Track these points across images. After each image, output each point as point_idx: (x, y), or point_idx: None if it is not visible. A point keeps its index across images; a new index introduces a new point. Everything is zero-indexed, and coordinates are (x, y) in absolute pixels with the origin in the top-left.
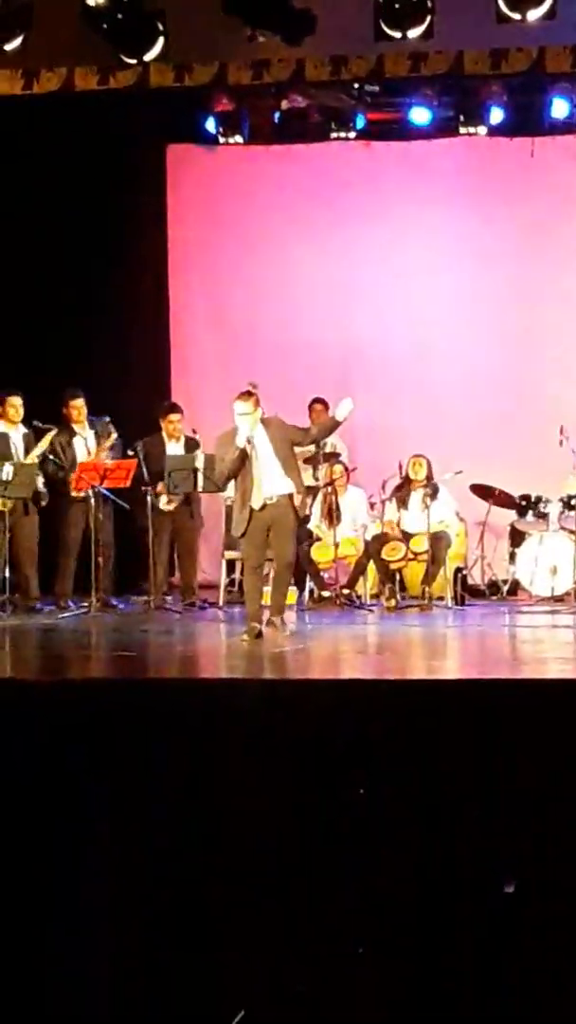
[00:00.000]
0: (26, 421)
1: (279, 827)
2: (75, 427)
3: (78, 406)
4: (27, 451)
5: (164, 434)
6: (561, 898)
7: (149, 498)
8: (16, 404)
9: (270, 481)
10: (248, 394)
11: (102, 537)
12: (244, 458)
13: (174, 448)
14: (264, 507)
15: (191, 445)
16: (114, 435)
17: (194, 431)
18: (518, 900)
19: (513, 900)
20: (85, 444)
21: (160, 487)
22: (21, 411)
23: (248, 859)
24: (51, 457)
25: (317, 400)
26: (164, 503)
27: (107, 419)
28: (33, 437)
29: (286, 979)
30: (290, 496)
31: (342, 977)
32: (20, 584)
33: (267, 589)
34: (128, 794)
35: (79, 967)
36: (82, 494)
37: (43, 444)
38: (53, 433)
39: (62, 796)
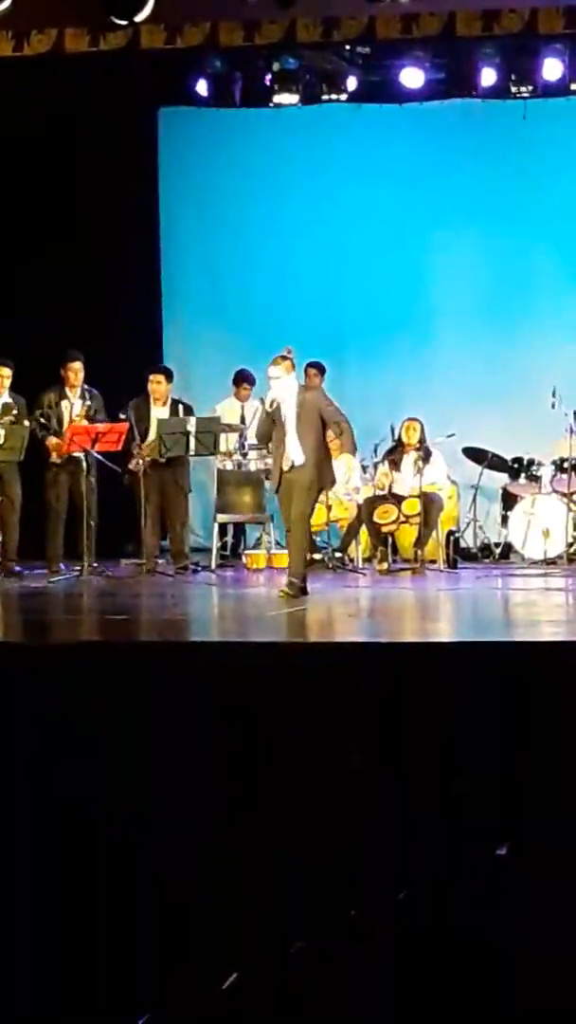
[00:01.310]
0: (22, 390)
1: (275, 790)
2: (67, 391)
3: (75, 369)
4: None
5: (151, 396)
6: (557, 859)
7: (137, 460)
8: (5, 374)
9: (295, 448)
10: (282, 358)
11: (90, 501)
12: (272, 421)
13: (159, 412)
14: (292, 468)
15: (176, 409)
16: (94, 409)
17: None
18: (511, 863)
19: (505, 863)
20: (71, 409)
21: (143, 447)
22: (7, 381)
23: (242, 822)
24: (40, 420)
25: (312, 364)
26: (134, 464)
27: (96, 393)
28: (14, 408)
29: (283, 939)
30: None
31: (340, 939)
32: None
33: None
34: (124, 758)
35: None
36: (63, 458)
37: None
38: (27, 425)
39: (60, 761)
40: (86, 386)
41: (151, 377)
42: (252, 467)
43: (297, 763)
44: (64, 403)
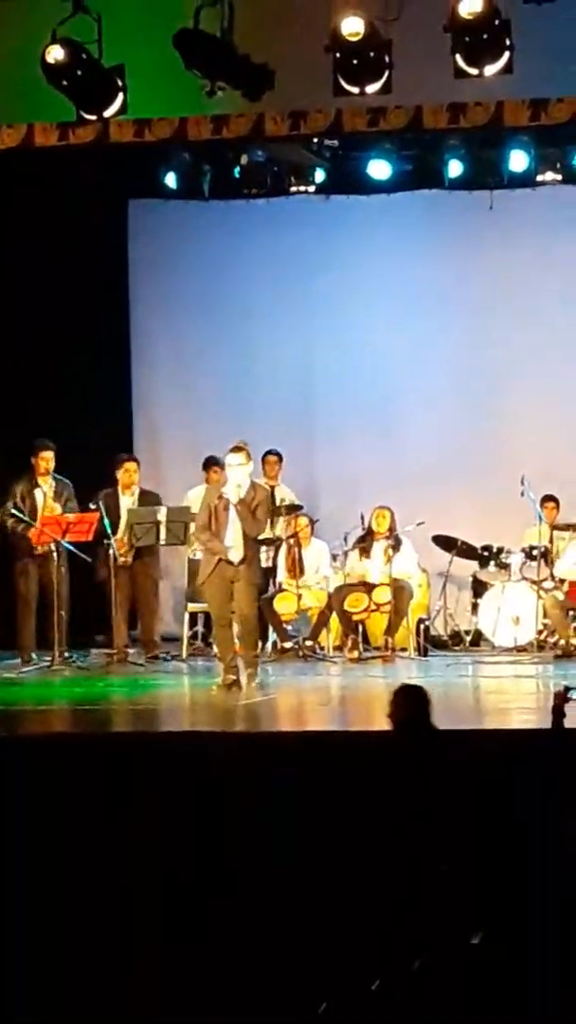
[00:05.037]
0: None
1: (244, 877)
2: (39, 479)
3: (47, 458)
4: None
5: (119, 487)
6: (529, 939)
7: (111, 551)
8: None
9: (236, 540)
10: (239, 448)
11: (61, 591)
12: (210, 512)
13: (127, 502)
14: (230, 561)
15: (147, 499)
16: (65, 498)
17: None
18: (486, 951)
19: (481, 951)
20: (44, 497)
21: (116, 540)
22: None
23: (204, 912)
24: (14, 511)
25: (270, 452)
26: (120, 557)
27: (67, 482)
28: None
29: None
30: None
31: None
32: None
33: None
34: (94, 847)
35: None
36: (42, 549)
37: None
38: None
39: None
40: (56, 475)
41: (125, 466)
42: None
43: (269, 849)
44: (37, 491)
